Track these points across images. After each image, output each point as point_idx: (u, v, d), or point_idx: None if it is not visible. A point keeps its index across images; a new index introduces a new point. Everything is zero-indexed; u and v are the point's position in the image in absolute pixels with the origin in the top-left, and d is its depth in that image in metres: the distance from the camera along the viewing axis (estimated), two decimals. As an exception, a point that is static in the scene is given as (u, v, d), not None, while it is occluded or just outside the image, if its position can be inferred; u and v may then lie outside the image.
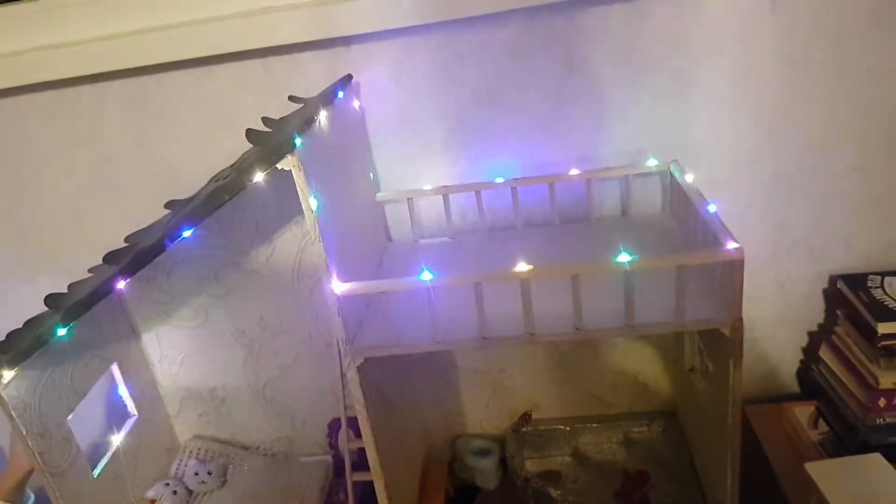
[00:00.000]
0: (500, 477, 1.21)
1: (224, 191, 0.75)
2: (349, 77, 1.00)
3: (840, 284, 1.10)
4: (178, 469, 1.21)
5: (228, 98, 1.05)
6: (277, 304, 1.17)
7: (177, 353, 1.22)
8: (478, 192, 1.06)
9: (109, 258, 0.86)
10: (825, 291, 1.15)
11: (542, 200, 1.07)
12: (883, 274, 1.07)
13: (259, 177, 0.73)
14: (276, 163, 0.73)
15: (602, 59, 1.01)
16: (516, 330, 0.81)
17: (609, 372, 1.20)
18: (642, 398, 1.22)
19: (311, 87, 0.99)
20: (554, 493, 1.09)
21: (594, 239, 1.03)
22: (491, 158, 1.07)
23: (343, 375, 0.90)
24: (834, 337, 1.10)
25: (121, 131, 1.10)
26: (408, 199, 1.07)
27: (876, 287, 1.04)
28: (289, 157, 0.73)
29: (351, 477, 1.13)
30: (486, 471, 1.20)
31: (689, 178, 0.95)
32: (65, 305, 0.88)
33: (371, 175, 1.08)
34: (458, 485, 1.20)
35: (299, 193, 0.75)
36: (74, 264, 0.94)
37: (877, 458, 0.92)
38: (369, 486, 1.01)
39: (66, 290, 1.02)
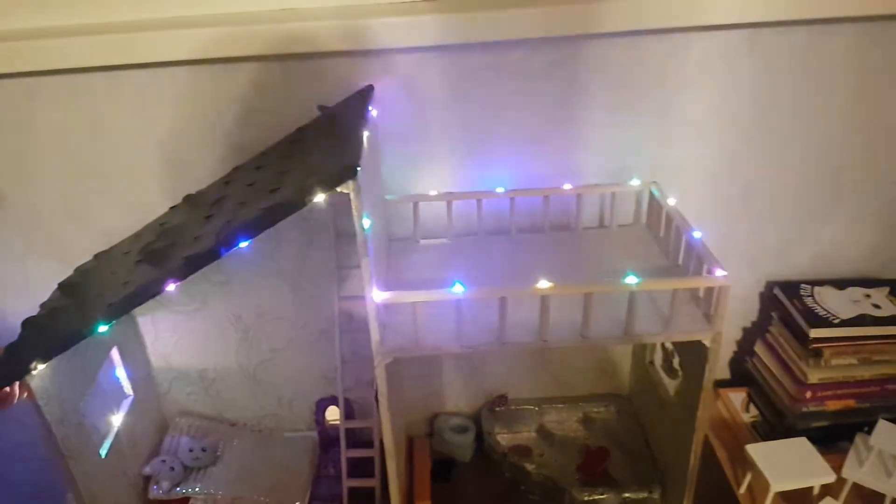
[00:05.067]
0: (474, 451, 1.34)
1: (285, 208, 0.81)
2: (371, 87, 1.05)
3: (776, 290, 1.28)
4: (170, 446, 1.25)
5: (244, 96, 1.08)
6: (277, 293, 1.22)
7: (171, 335, 1.25)
8: (479, 200, 1.15)
9: (151, 258, 0.90)
10: (761, 295, 1.34)
11: (532, 209, 1.17)
12: (812, 283, 1.26)
13: (320, 198, 0.80)
14: (337, 187, 0.79)
15: (597, 87, 1.12)
16: (531, 337, 0.93)
17: (574, 360, 1.35)
18: (601, 383, 1.38)
19: (327, 92, 1.05)
20: (529, 466, 1.23)
21: (582, 248, 1.15)
22: (489, 169, 1.17)
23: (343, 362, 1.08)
24: (768, 335, 1.29)
25: (128, 120, 1.10)
26: (413, 202, 1.15)
27: (807, 295, 1.23)
28: (350, 182, 0.79)
29: (346, 453, 1.22)
30: (463, 445, 1.32)
31: (671, 201, 1.08)
32: (101, 302, 0.91)
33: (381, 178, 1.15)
34: (436, 458, 1.31)
35: (354, 215, 0.82)
36: (73, 248, 1.11)
37: (803, 441, 1.13)
38: (355, 460, 1.17)
39: (72, 273, 1.05)
